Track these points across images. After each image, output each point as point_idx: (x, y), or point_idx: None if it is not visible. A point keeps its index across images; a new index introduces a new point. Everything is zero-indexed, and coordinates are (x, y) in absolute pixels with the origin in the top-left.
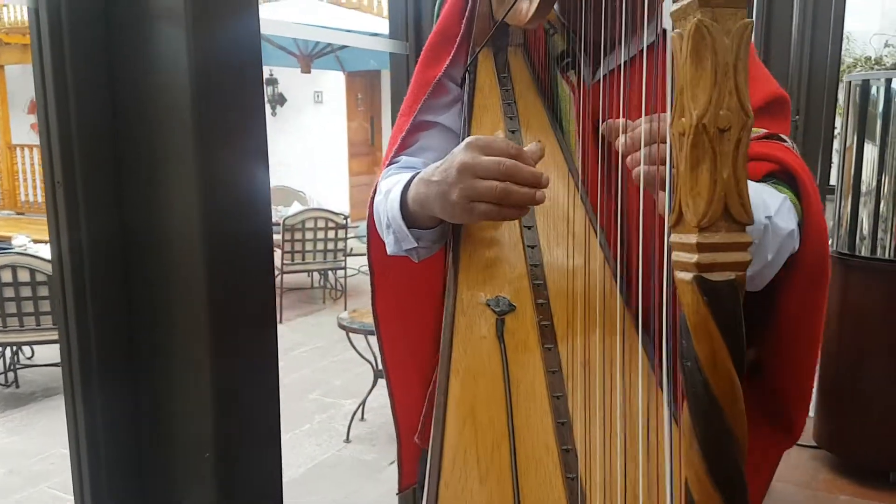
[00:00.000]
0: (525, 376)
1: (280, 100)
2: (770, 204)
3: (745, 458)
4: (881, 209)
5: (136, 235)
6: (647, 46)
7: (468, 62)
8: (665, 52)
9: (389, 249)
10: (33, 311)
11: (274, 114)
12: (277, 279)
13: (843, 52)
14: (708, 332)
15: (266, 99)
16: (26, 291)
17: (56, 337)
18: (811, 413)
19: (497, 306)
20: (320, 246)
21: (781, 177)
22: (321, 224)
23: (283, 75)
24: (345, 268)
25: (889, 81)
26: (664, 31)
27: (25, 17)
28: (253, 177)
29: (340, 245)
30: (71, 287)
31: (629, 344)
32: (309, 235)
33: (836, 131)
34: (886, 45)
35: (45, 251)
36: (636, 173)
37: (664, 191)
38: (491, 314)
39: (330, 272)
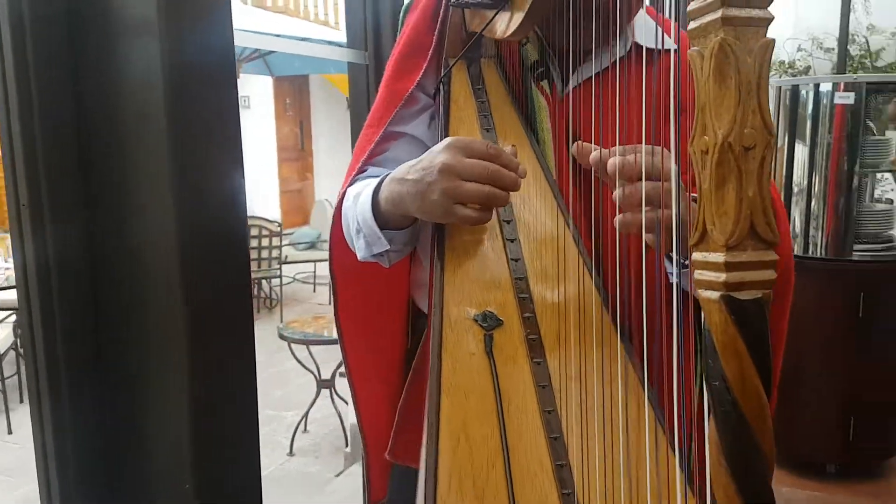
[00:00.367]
0: (516, 392)
1: None
2: None
3: (773, 474)
4: (812, 207)
5: (108, 247)
6: (620, 59)
7: (442, 74)
8: (639, 65)
9: (360, 255)
10: None
11: None
12: None
13: None
14: (736, 351)
15: None
16: None
17: None
18: None
19: (484, 321)
20: (254, 254)
21: None
22: (254, 232)
23: None
24: (280, 276)
25: (817, 86)
26: (635, 44)
27: None
28: (229, 183)
29: (275, 253)
30: (38, 303)
31: (614, 354)
32: None
33: None
34: (799, 50)
35: None
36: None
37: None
38: (479, 329)
39: (264, 281)
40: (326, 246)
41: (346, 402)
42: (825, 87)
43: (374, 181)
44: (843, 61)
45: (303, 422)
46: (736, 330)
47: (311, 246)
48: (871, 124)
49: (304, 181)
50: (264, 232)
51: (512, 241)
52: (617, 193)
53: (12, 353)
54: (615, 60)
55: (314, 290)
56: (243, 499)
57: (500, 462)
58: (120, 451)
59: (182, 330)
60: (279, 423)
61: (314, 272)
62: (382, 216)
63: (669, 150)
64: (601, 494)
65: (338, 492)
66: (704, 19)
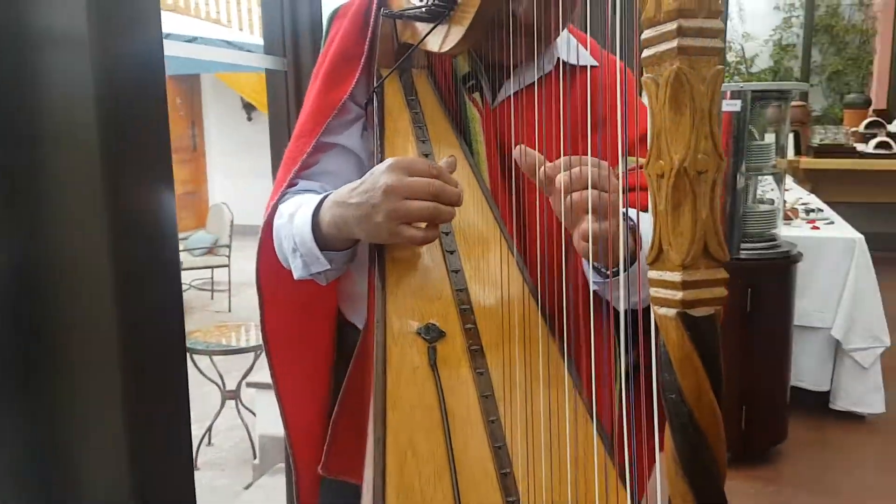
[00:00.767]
0: (460, 403)
1: None
2: None
3: (725, 481)
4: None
5: (35, 268)
6: (546, 74)
7: (375, 85)
8: (564, 80)
9: (297, 274)
10: None
11: None
12: None
13: None
14: (693, 366)
15: None
16: None
17: None
18: None
19: (427, 334)
20: None
21: None
22: None
23: None
24: None
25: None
26: (558, 59)
27: None
28: (160, 197)
29: None
30: None
31: (553, 361)
32: None
33: None
34: None
35: None
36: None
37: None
38: (422, 342)
39: None
40: (224, 251)
41: (253, 413)
42: None
43: (311, 201)
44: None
45: (206, 435)
46: (692, 346)
47: (208, 251)
48: (754, 130)
49: (197, 183)
50: None
51: (451, 252)
52: (562, 205)
53: None
54: (542, 76)
55: (212, 298)
56: None
57: (447, 474)
58: (47, 480)
59: (114, 353)
60: None
61: (212, 278)
62: (324, 238)
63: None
64: (546, 500)
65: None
66: (660, 48)
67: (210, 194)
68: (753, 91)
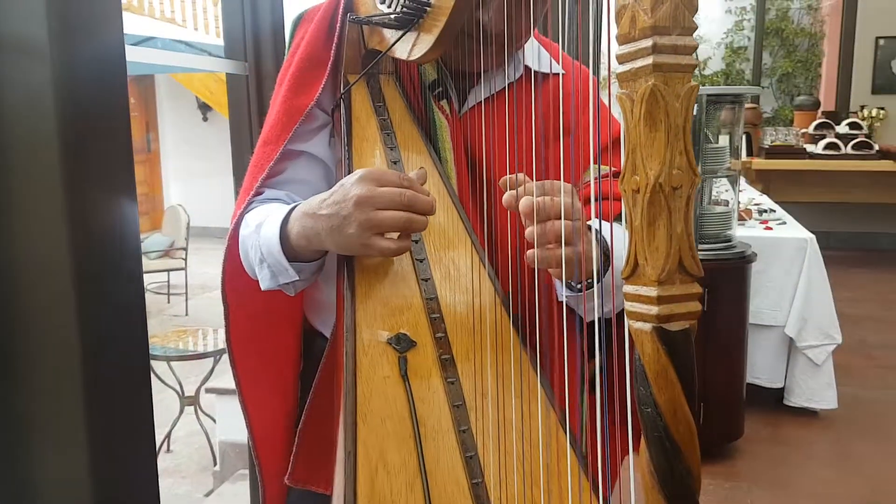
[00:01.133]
0: (431, 413)
1: None
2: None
3: (699, 492)
4: None
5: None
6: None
7: (342, 91)
8: (530, 88)
9: (264, 285)
10: None
11: None
12: None
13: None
14: (668, 380)
15: None
16: None
17: None
18: None
19: (398, 344)
20: None
21: None
22: None
23: None
24: None
25: None
26: (526, 67)
27: None
28: (122, 204)
29: None
30: None
31: (524, 368)
32: None
33: None
34: None
35: None
36: (531, 256)
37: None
38: (393, 352)
39: None
40: (180, 254)
41: (213, 420)
42: None
43: (278, 211)
44: None
45: (165, 442)
46: (668, 360)
47: (165, 254)
48: (709, 133)
49: (152, 185)
50: None
51: (421, 260)
52: (530, 231)
53: None
54: (509, 83)
55: (168, 301)
56: None
57: (419, 485)
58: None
59: (76, 359)
60: None
61: (168, 281)
62: (293, 250)
63: (559, 165)
64: None
65: None
66: (635, 64)
67: (165, 196)
68: (709, 95)
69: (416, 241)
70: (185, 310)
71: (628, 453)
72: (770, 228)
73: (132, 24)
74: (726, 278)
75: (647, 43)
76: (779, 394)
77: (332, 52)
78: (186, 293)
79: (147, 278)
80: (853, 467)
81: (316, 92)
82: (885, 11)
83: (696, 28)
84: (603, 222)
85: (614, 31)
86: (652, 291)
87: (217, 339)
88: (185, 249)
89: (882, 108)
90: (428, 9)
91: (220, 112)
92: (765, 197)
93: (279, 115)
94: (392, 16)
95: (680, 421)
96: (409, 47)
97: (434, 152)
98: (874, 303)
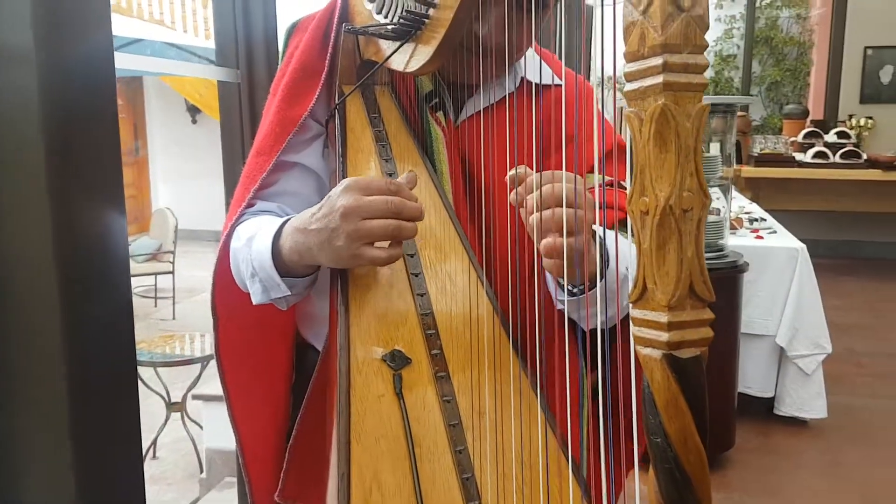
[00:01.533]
0: (427, 433)
1: None
2: (628, 253)
3: None
4: None
5: None
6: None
7: (336, 102)
8: (528, 99)
9: (255, 299)
10: None
11: None
12: None
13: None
14: (678, 408)
15: None
16: None
17: None
18: None
19: (393, 361)
20: None
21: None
22: None
23: None
24: None
25: None
26: (523, 79)
27: None
28: (110, 212)
29: None
30: None
31: (523, 388)
32: None
33: None
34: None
35: None
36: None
37: (561, 258)
38: (387, 370)
39: None
40: (168, 258)
41: (200, 426)
42: None
43: (269, 225)
44: None
45: (152, 449)
46: (678, 388)
47: (152, 257)
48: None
49: (140, 188)
50: None
51: (416, 275)
52: (534, 217)
53: None
54: (506, 94)
55: (155, 305)
56: None
57: None
58: None
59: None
60: None
61: (155, 285)
62: (285, 265)
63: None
64: None
65: None
66: (644, 82)
67: (153, 199)
68: None
69: (412, 255)
70: (172, 314)
71: (633, 468)
72: (761, 238)
73: (121, 26)
74: (719, 288)
75: (658, 61)
76: (769, 403)
77: (327, 62)
78: (174, 297)
79: (134, 282)
80: (843, 475)
81: (310, 102)
82: (873, 21)
83: (707, 46)
84: (601, 227)
85: (608, 37)
86: (662, 317)
87: (204, 344)
88: (173, 252)
89: (870, 118)
90: (426, 21)
91: (209, 114)
92: (755, 205)
93: (272, 125)
94: (389, 27)
95: (690, 451)
96: (407, 59)
97: (430, 164)
98: (862, 311)
